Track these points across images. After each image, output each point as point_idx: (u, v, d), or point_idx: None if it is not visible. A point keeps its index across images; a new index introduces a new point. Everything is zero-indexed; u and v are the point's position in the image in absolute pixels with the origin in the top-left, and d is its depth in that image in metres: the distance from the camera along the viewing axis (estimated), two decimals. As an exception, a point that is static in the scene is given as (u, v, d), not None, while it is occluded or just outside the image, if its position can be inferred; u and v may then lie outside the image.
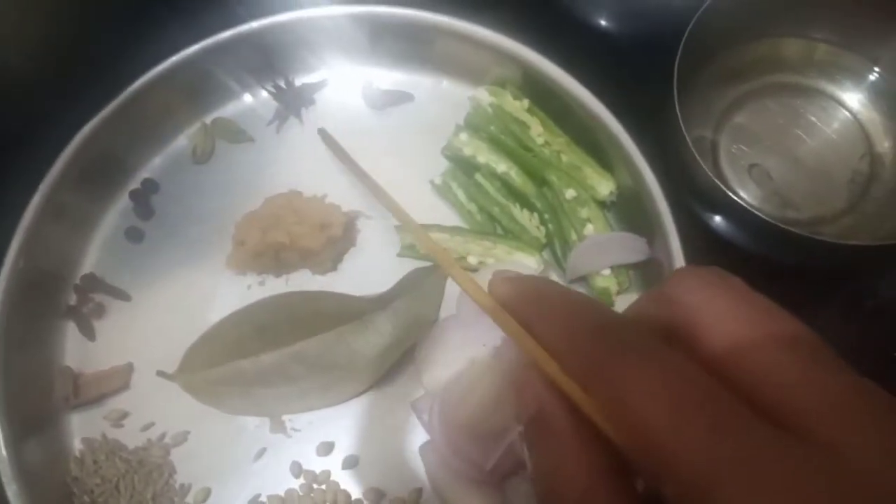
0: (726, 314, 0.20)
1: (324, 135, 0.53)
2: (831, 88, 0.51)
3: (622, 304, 0.49)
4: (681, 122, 0.43)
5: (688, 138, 0.43)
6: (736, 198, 0.43)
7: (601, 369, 0.19)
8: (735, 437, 0.17)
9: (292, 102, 0.55)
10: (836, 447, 0.16)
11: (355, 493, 0.46)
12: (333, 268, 0.51)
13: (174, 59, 0.52)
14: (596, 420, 0.20)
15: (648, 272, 0.48)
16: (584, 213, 0.49)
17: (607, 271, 0.48)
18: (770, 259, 0.47)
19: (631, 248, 0.47)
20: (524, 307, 0.24)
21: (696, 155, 0.43)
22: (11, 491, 0.43)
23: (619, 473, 0.20)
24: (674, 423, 0.17)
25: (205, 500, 0.46)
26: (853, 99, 0.51)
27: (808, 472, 0.16)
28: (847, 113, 0.50)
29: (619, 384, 0.19)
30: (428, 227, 0.50)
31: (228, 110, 0.56)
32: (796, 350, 0.19)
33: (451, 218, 0.52)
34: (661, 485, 0.17)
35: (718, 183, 0.42)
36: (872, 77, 0.50)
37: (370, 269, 0.51)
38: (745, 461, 0.16)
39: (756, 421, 0.17)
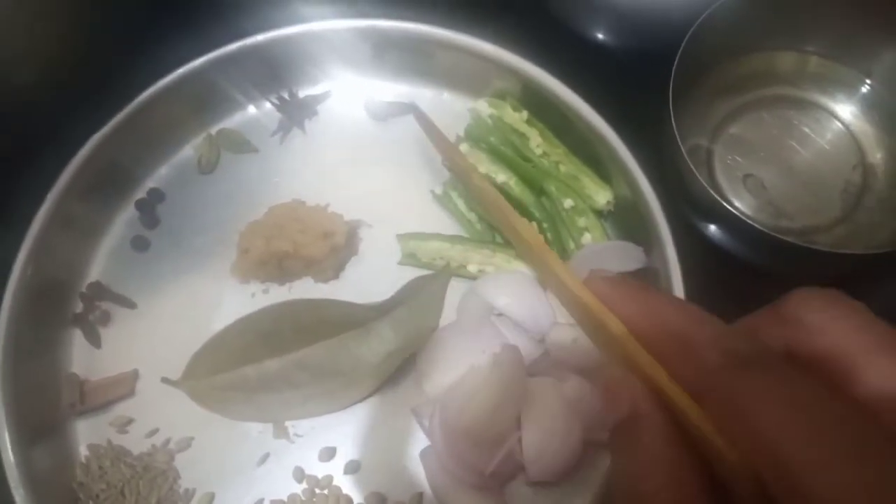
0: (850, 333, 0.20)
1: (419, 116, 0.51)
2: (824, 100, 0.52)
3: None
4: (676, 133, 0.44)
5: (683, 149, 0.44)
6: (730, 208, 0.43)
7: (719, 380, 0.19)
8: (877, 463, 0.16)
9: (296, 114, 0.56)
10: None
11: (357, 497, 0.46)
12: (336, 276, 0.52)
13: (180, 71, 0.53)
14: (705, 430, 0.19)
15: (645, 281, 0.49)
16: (581, 222, 0.50)
17: (605, 278, 0.49)
18: (764, 267, 0.48)
19: (628, 256, 0.48)
20: (629, 308, 0.23)
21: (692, 165, 0.44)
22: (19, 496, 0.44)
23: (707, 489, 0.20)
24: (809, 440, 0.17)
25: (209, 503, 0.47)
26: (846, 110, 0.52)
27: None
28: (840, 124, 0.51)
29: (741, 397, 0.18)
30: (428, 236, 0.51)
31: (233, 121, 0.57)
32: None
33: (451, 227, 0.53)
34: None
35: (713, 193, 0.43)
36: (864, 89, 0.51)
37: (372, 277, 0.52)
38: (872, 477, 0.16)
39: (885, 439, 0.17)
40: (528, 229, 0.33)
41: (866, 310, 0.20)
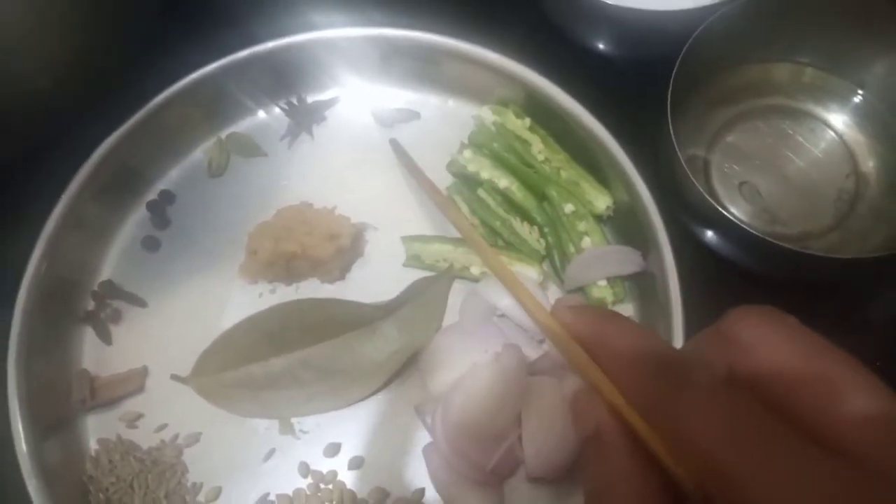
0: (781, 348, 0.21)
1: (395, 145, 0.55)
2: (818, 110, 0.53)
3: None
4: (674, 141, 0.46)
5: (681, 157, 0.45)
6: (726, 213, 0.45)
7: (663, 404, 0.21)
8: (786, 460, 0.19)
9: (304, 119, 0.57)
10: (884, 470, 0.18)
11: (361, 492, 0.47)
12: (342, 277, 0.53)
13: (192, 76, 0.54)
14: (655, 449, 0.22)
15: (643, 284, 0.50)
16: (581, 226, 0.51)
17: (603, 282, 0.50)
18: (759, 273, 0.49)
19: (626, 260, 0.50)
20: (589, 336, 0.25)
21: (689, 173, 0.45)
22: (32, 487, 0.45)
23: (667, 497, 0.22)
24: (731, 451, 0.19)
25: (216, 498, 0.48)
26: (839, 120, 0.53)
27: (855, 489, 0.18)
28: (833, 134, 0.53)
29: (681, 418, 0.20)
30: (432, 239, 0.53)
31: (243, 126, 0.58)
32: (847, 382, 0.20)
33: (454, 231, 0.54)
34: None
35: (710, 199, 0.45)
36: (857, 100, 0.53)
37: (376, 278, 0.53)
38: (798, 479, 0.18)
39: (810, 446, 0.19)
40: (498, 262, 0.36)
41: (797, 323, 0.22)
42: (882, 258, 0.43)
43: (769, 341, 0.22)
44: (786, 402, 0.21)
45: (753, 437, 0.19)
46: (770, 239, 0.43)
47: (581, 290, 0.51)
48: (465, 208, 0.53)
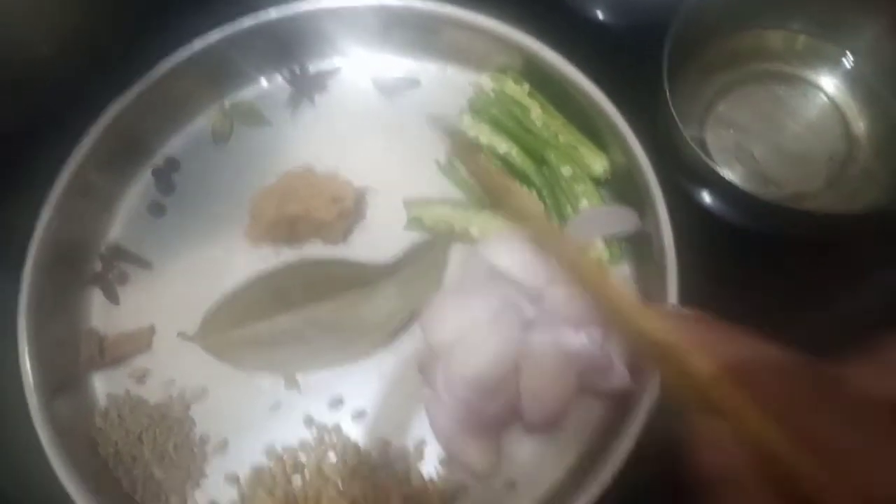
0: None
1: (436, 122, 0.55)
2: (811, 76, 0.55)
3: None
4: (671, 104, 0.47)
5: (677, 119, 0.47)
6: (721, 172, 0.46)
7: (836, 444, 0.19)
8: None
9: (306, 88, 0.58)
10: None
11: (363, 443, 0.49)
12: (344, 239, 0.54)
13: (195, 45, 0.55)
14: (812, 487, 0.19)
15: (639, 246, 0.52)
16: (579, 189, 0.52)
17: (600, 243, 0.51)
18: (753, 232, 0.51)
19: (623, 219, 0.51)
20: (718, 350, 0.22)
21: (685, 133, 0.46)
22: (45, 439, 0.46)
23: None
24: None
25: (223, 448, 0.49)
26: (830, 85, 0.54)
27: None
28: (825, 98, 0.54)
29: (861, 462, 0.19)
30: (433, 202, 0.54)
31: (246, 94, 0.59)
32: None
33: (454, 194, 0.55)
34: None
35: (705, 158, 0.46)
36: (847, 65, 0.54)
37: (378, 240, 0.54)
38: None
39: None
40: (606, 278, 0.30)
41: None
42: (871, 214, 0.44)
43: None
44: None
45: None
46: (761, 196, 0.44)
47: (578, 250, 0.52)
48: (464, 172, 0.55)
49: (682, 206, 0.50)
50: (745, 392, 0.21)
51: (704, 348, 0.22)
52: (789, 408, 0.20)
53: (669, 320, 0.24)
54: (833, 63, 0.54)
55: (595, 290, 0.29)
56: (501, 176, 0.40)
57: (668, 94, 0.47)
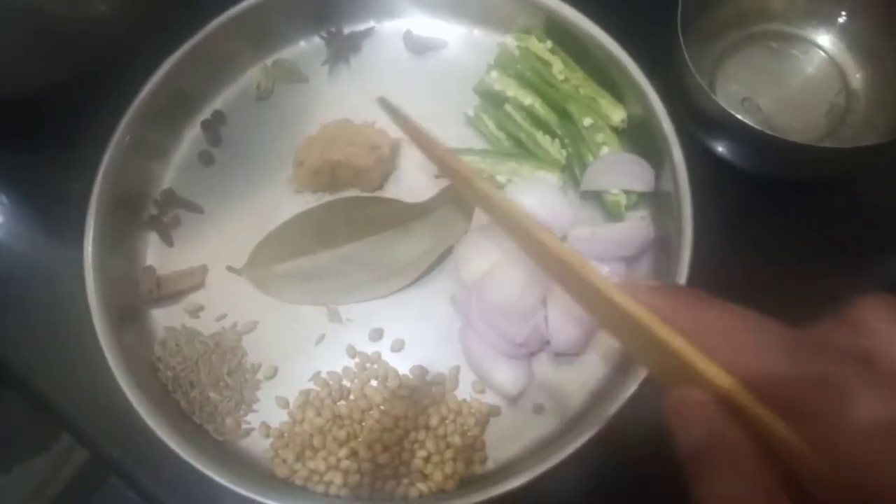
0: None
1: (384, 104, 0.59)
2: (810, 33, 0.59)
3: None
4: (685, 53, 0.51)
5: (691, 66, 0.51)
6: (732, 112, 0.50)
7: (806, 395, 0.19)
8: None
9: (342, 48, 0.63)
10: None
11: (402, 369, 0.53)
12: (380, 186, 0.58)
13: (240, 6, 0.59)
14: (793, 445, 0.19)
15: (655, 195, 0.55)
16: (599, 137, 0.56)
17: (617, 189, 0.55)
18: (761, 175, 0.55)
19: (640, 174, 0.54)
20: (684, 321, 0.22)
21: (699, 79, 0.50)
22: (112, 361, 0.50)
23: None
24: None
25: (273, 375, 0.54)
26: (828, 41, 0.59)
27: None
28: (824, 54, 0.58)
29: (830, 414, 0.19)
30: (462, 151, 0.58)
31: (286, 53, 0.63)
32: None
33: (482, 144, 0.59)
34: None
35: (717, 100, 0.50)
36: (843, 21, 0.58)
37: (411, 188, 0.58)
38: None
39: None
40: (546, 233, 0.31)
41: None
42: (876, 147, 0.48)
43: None
44: None
45: None
46: (770, 132, 0.49)
47: (597, 194, 0.56)
48: (491, 124, 0.59)
49: (696, 155, 0.54)
50: (713, 358, 0.21)
51: (671, 319, 0.22)
52: (762, 372, 0.20)
53: (645, 296, 0.24)
54: (829, 20, 0.59)
55: (542, 250, 0.30)
56: (446, 150, 0.46)
57: (682, 45, 0.51)
